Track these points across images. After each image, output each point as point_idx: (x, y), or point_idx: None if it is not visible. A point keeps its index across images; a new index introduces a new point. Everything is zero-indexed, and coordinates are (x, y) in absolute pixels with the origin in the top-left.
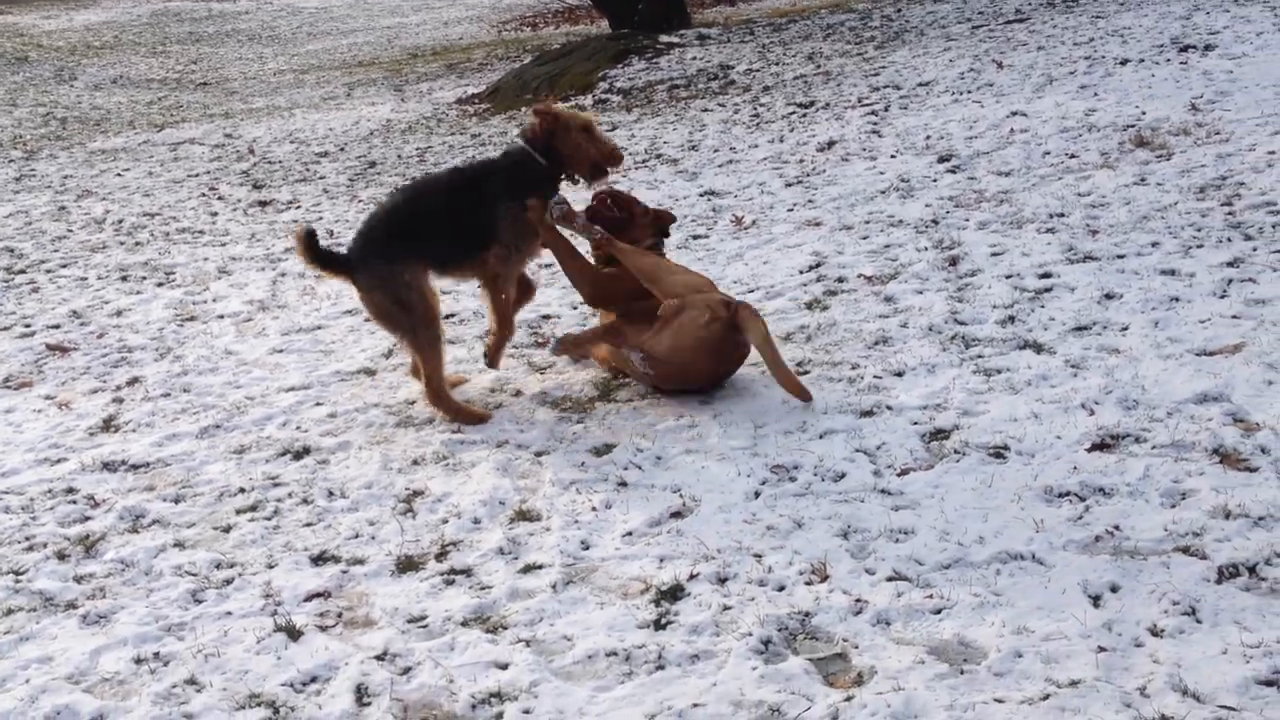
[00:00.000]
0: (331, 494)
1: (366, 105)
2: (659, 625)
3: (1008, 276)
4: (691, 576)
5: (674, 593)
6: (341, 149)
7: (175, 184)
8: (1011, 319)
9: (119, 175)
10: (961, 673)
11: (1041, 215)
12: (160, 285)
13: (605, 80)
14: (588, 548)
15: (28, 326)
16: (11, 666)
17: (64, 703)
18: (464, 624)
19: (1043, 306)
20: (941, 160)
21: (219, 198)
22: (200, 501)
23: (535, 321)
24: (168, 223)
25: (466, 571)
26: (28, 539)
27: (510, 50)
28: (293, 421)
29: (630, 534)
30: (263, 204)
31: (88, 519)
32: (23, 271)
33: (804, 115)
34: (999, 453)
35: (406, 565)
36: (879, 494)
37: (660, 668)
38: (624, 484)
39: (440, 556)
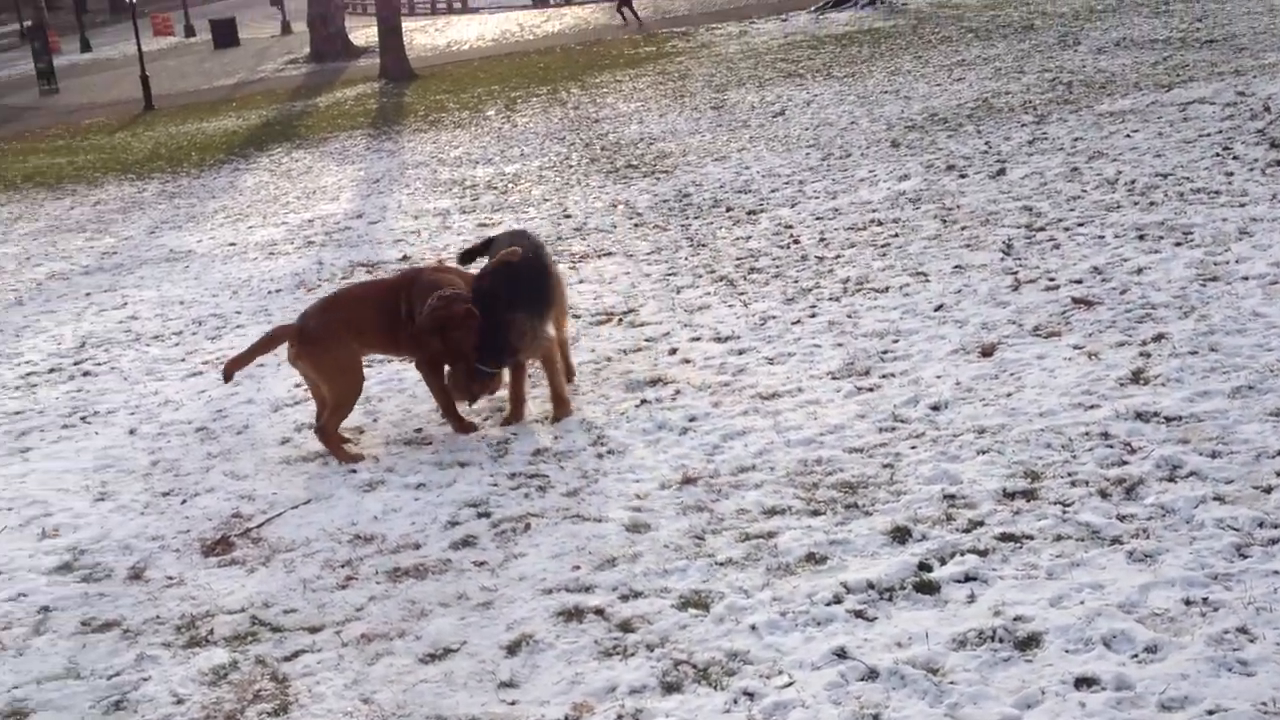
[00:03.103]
0: None
1: None
2: None
3: None
4: None
5: None
6: None
7: (1186, 144)
8: None
9: (1128, 136)
10: None
11: None
12: (1178, 245)
13: None
14: None
15: (1052, 280)
16: (1065, 588)
17: (1119, 628)
18: None
19: None
20: None
21: (1234, 157)
22: (1237, 459)
23: None
24: (1181, 183)
25: None
26: (1070, 475)
27: None
28: None
29: None
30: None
31: (1125, 463)
32: (1042, 229)
33: None
34: None
35: None
36: None
37: None
38: None
39: None
